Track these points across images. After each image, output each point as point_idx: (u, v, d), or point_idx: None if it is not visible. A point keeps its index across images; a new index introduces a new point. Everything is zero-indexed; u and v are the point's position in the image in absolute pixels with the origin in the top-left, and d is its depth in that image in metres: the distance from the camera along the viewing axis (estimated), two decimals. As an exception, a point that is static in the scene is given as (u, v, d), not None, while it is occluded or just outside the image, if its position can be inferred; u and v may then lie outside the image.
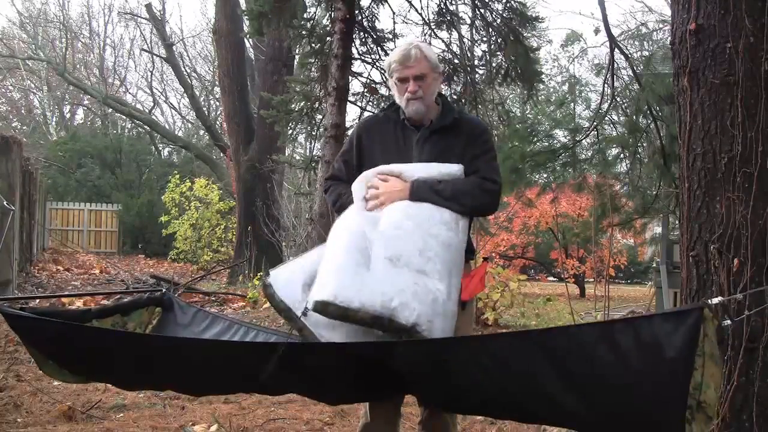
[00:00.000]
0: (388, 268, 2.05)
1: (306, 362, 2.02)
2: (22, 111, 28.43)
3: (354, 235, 2.14)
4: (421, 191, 2.24)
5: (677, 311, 1.67)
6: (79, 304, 6.75)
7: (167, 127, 26.80)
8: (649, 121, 6.18)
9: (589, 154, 6.98)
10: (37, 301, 6.21)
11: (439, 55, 7.66)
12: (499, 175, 2.38)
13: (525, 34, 7.43)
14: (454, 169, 2.30)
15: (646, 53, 7.13)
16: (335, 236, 2.20)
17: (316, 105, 7.73)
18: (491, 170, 2.35)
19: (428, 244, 2.13)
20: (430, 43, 7.69)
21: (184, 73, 22.34)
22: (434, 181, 2.26)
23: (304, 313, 2.06)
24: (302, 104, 7.89)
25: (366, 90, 7.68)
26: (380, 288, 1.99)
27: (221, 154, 19.58)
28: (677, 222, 6.24)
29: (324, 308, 1.97)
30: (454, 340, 2.03)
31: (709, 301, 1.59)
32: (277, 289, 2.13)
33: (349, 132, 6.90)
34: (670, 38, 2.97)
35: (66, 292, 8.37)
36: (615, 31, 6.45)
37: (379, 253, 2.08)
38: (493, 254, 13.88)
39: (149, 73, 26.94)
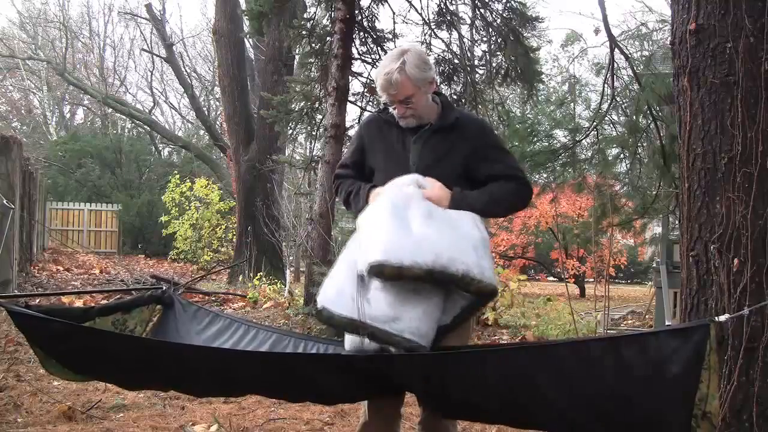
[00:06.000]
0: (429, 224, 2.11)
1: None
2: (22, 111, 28.41)
3: (392, 200, 2.18)
4: (460, 199, 2.27)
5: (684, 327, 1.67)
6: (78, 304, 6.75)
7: (167, 127, 26.79)
8: (649, 121, 6.17)
9: (589, 154, 6.96)
10: (38, 300, 6.21)
11: (438, 55, 7.67)
12: (520, 167, 2.42)
13: (525, 34, 7.42)
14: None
15: (646, 53, 7.10)
16: (375, 206, 2.22)
17: (316, 105, 7.72)
18: (513, 168, 2.37)
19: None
20: (429, 44, 7.70)
21: (184, 73, 22.33)
22: (474, 193, 2.29)
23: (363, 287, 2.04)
24: (302, 104, 7.88)
25: (366, 90, 7.68)
26: (427, 245, 2.04)
27: (221, 154, 19.58)
28: (677, 222, 6.24)
29: (380, 270, 2.00)
30: (462, 354, 2.04)
31: (717, 318, 1.59)
32: (333, 308, 2.07)
33: (350, 132, 6.92)
34: (670, 38, 2.97)
35: (67, 290, 8.36)
36: (615, 31, 6.44)
37: (417, 212, 2.14)
38: (493, 254, 13.86)
39: (149, 73, 26.97)
